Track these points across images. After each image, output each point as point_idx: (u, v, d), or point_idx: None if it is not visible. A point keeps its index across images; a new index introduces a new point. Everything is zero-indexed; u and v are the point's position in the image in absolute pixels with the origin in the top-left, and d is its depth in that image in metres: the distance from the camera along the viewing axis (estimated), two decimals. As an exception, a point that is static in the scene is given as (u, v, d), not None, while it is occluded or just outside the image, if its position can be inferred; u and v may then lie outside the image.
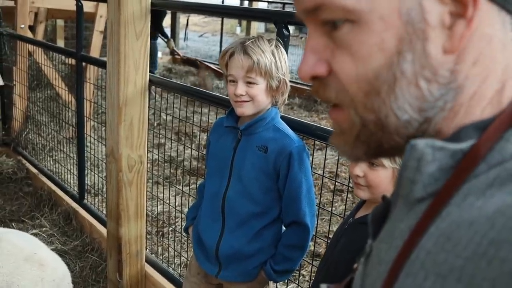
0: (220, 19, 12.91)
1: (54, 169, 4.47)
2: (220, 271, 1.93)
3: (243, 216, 1.85)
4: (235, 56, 1.76)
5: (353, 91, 0.55)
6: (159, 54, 11.53)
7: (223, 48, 1.92)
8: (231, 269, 1.91)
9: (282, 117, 1.90)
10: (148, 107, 2.74)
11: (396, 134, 0.56)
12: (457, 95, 0.53)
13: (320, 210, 2.81)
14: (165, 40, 8.68)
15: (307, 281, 3.24)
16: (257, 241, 1.87)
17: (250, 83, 1.76)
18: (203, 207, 1.99)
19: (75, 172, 4.04)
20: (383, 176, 1.43)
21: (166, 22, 11.36)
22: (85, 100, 3.72)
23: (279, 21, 1.97)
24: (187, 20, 13.82)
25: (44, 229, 3.65)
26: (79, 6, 3.42)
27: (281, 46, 1.83)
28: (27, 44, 4.70)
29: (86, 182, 3.92)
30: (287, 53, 1.88)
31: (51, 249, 3.35)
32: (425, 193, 0.53)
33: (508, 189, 0.46)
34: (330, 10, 0.54)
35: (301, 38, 17.77)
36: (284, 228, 1.92)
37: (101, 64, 3.21)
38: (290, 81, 1.87)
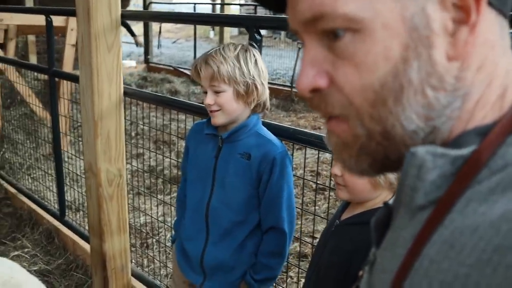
0: (192, 25, 12.87)
1: (33, 187, 4.41)
2: (204, 281, 1.91)
3: (226, 226, 1.84)
4: (198, 68, 1.77)
5: (359, 102, 0.54)
6: (133, 63, 11.49)
7: (197, 53, 1.91)
8: (215, 279, 1.89)
9: (264, 123, 1.89)
10: (125, 118, 2.72)
11: (403, 145, 0.54)
12: (464, 102, 0.53)
13: (303, 211, 2.82)
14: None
15: (295, 282, 3.24)
16: (241, 251, 1.85)
17: (217, 92, 1.75)
18: (187, 216, 1.97)
19: (55, 189, 3.98)
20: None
21: (139, 30, 11.27)
22: (60, 116, 3.68)
23: (251, 26, 1.97)
24: (160, 27, 13.75)
25: (26, 249, 3.59)
26: (49, 22, 3.37)
27: (251, 50, 1.80)
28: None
29: (66, 198, 3.87)
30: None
31: (35, 270, 3.32)
32: (426, 201, 0.52)
33: (511, 194, 0.46)
34: (331, 20, 0.53)
35: (275, 38, 17.82)
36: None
37: (74, 79, 3.17)
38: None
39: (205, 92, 1.79)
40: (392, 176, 1.36)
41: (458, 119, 0.53)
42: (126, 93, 2.63)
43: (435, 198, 0.51)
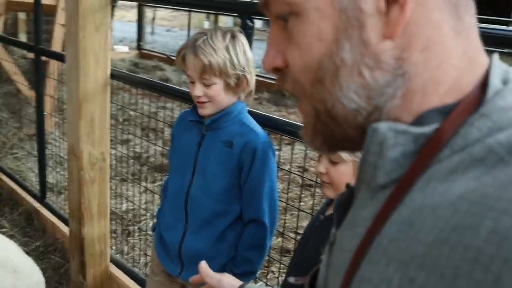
0: (187, 13, 12.77)
1: (15, 167, 4.33)
2: (182, 271, 1.87)
3: (206, 216, 1.79)
4: (187, 57, 1.70)
5: (303, 82, 0.57)
6: (126, 49, 11.37)
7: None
8: (193, 269, 1.84)
9: (249, 112, 1.84)
10: (112, 102, 2.65)
11: (346, 124, 0.56)
12: (406, 82, 0.52)
13: (289, 205, 2.79)
14: None
15: (276, 277, 3.21)
16: (221, 242, 1.81)
17: (207, 84, 1.69)
18: (166, 205, 1.93)
19: (37, 171, 3.91)
20: (344, 172, 1.41)
21: (133, 16, 11.14)
22: (46, 96, 3.60)
23: (243, 12, 1.92)
24: (154, 14, 13.64)
25: (4, 230, 3.52)
26: (37, -2, 3.29)
27: (240, 37, 1.74)
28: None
29: (48, 180, 3.79)
30: (251, 45, 1.81)
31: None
32: (388, 179, 0.51)
33: (471, 174, 0.46)
34: (276, 4, 0.56)
35: (268, 32, 17.73)
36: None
37: (61, 58, 3.10)
38: (258, 76, 1.80)
39: (192, 82, 1.73)
40: None
41: (403, 98, 0.53)
42: (113, 76, 2.57)
43: (396, 176, 0.51)
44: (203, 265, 1.07)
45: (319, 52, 0.54)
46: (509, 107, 0.49)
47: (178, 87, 2.59)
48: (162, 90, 2.60)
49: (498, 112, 0.48)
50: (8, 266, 1.77)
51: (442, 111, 0.51)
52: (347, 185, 0.64)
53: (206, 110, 1.74)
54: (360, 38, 0.52)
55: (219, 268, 1.82)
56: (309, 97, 0.58)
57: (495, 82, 0.51)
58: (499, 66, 0.53)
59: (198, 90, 1.70)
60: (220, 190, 1.77)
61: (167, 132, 5.20)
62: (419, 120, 0.52)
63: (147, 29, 12.75)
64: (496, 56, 0.54)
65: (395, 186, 0.51)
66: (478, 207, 0.42)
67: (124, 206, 4.00)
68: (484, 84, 0.51)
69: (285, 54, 0.58)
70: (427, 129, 0.50)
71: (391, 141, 0.50)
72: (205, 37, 1.68)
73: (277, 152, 1.89)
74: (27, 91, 4.76)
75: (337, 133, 0.57)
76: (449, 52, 0.52)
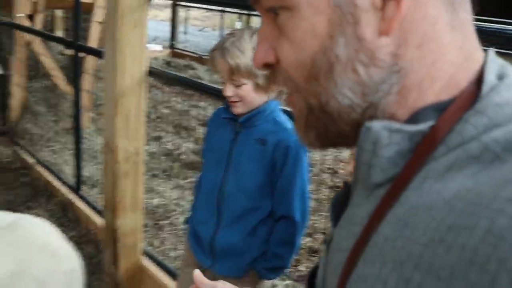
0: (220, 14, 12.86)
1: (52, 159, 4.44)
2: (213, 263, 1.90)
3: (239, 211, 1.82)
4: (216, 60, 1.73)
5: (295, 77, 0.55)
6: (159, 48, 11.50)
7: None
8: (225, 263, 1.88)
9: (284, 110, 1.86)
10: (149, 99, 2.71)
11: (340, 119, 0.54)
12: (402, 78, 0.51)
13: (318, 206, 2.80)
14: None
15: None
16: (253, 236, 1.84)
17: (236, 85, 1.72)
18: (199, 200, 1.96)
19: (72, 163, 4.01)
20: None
21: (166, 15, 11.24)
22: (83, 91, 3.69)
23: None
24: (187, 14, 13.75)
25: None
26: (77, -6, 3.38)
27: None
28: (25, 34, 4.66)
29: (83, 173, 3.89)
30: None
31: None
32: (384, 178, 0.51)
33: (467, 172, 0.45)
34: None
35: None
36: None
37: (99, 54, 3.18)
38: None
39: (224, 82, 1.77)
40: None
41: (398, 95, 0.52)
42: (149, 72, 2.63)
43: (392, 175, 0.50)
44: (197, 273, 1.09)
45: (313, 48, 0.52)
46: (505, 103, 0.48)
47: (210, 84, 2.63)
48: (198, 88, 2.64)
49: (493, 108, 0.47)
50: (47, 250, 1.82)
51: (437, 107, 0.50)
52: (344, 183, 0.63)
53: (238, 109, 1.77)
54: (355, 34, 0.50)
55: (250, 263, 1.86)
56: (302, 92, 0.56)
57: (490, 77, 0.50)
58: (494, 62, 0.52)
59: (229, 91, 1.73)
60: (254, 187, 1.79)
61: (199, 130, 5.26)
62: (414, 117, 0.51)
63: (180, 28, 12.84)
64: (491, 52, 0.53)
65: (391, 184, 0.50)
66: (474, 207, 0.41)
67: (155, 201, 4.07)
68: (479, 80, 0.50)
69: (276, 49, 0.56)
70: (423, 126, 0.49)
71: (385, 140, 0.50)
72: (232, 39, 1.70)
73: (308, 153, 1.91)
74: (64, 86, 4.88)
75: (331, 128, 0.56)
76: (445, 48, 0.51)
